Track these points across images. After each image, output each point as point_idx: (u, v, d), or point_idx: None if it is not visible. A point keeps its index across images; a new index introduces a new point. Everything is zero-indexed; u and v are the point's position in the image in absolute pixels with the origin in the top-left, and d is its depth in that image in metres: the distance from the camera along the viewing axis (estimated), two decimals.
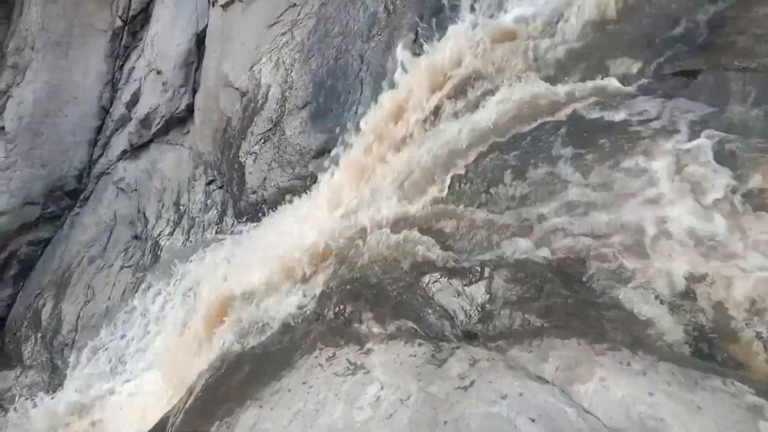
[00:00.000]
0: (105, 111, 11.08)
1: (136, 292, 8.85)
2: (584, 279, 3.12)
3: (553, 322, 2.86)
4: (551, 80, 4.52)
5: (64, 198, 10.93)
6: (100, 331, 9.04)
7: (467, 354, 2.96)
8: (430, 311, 3.49)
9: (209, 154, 8.33)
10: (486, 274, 3.38)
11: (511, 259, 3.39)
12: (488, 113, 4.66)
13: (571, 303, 2.92)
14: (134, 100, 10.55)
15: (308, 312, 4.51)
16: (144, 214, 9.41)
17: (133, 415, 7.25)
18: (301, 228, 5.78)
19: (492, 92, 4.96)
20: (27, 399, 9.66)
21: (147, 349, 7.99)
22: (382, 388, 3.10)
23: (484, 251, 3.57)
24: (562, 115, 4.13)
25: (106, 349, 8.77)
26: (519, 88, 4.73)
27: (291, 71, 6.99)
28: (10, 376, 10.16)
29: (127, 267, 9.30)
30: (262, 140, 6.83)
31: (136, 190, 9.79)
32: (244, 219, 7.10)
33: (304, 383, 3.59)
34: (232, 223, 7.43)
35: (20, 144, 10.61)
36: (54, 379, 9.49)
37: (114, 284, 9.29)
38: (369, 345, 3.51)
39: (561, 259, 3.18)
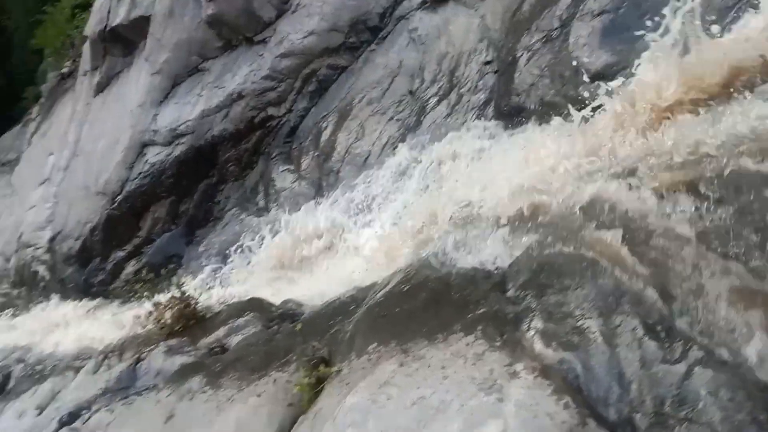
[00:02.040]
0: None
1: (395, 148, 9.05)
2: None
3: None
4: None
5: (366, 32, 11.31)
6: (359, 172, 9.61)
7: None
8: (604, 362, 2.76)
9: (495, 32, 7.55)
10: (687, 362, 2.48)
11: (732, 364, 2.39)
12: None
13: None
14: None
15: (495, 272, 4.03)
16: (423, 72, 9.25)
17: (356, 260, 7.78)
18: (541, 158, 4.99)
19: None
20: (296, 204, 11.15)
21: (387, 209, 8.28)
22: None
23: (703, 327, 2.58)
24: None
25: (358, 190, 9.34)
26: None
27: None
28: (289, 178, 11.68)
29: (396, 120, 9.49)
30: (544, 39, 5.84)
31: (424, 44, 9.58)
32: (501, 120, 6.45)
33: (442, 368, 3.30)
34: (491, 117, 6.85)
35: None
36: (317, 197, 10.60)
37: (381, 132, 9.64)
38: (518, 366, 2.99)
39: None
